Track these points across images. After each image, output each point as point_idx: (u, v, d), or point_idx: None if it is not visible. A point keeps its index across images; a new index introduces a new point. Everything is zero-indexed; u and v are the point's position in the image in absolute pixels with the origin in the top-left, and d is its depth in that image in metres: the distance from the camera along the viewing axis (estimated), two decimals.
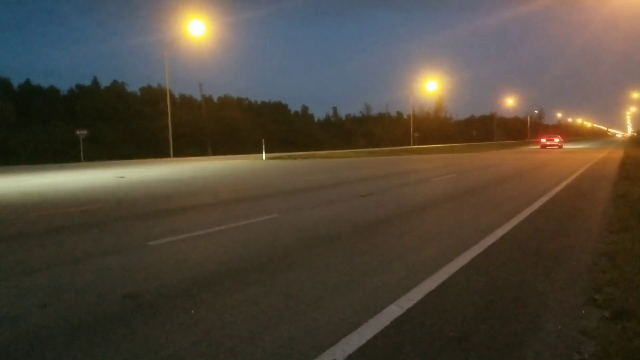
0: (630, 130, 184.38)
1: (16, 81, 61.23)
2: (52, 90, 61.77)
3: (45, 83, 72.20)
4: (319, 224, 8.13)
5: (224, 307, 4.13)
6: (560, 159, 30.28)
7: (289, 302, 4.23)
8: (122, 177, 19.28)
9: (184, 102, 65.57)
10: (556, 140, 57.61)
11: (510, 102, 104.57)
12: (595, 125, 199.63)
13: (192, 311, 4.04)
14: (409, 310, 3.99)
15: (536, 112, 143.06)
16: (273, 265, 5.52)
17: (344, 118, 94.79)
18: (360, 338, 3.46)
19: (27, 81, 61.29)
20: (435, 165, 25.08)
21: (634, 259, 5.31)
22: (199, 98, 65.60)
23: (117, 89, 62.08)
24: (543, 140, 58.47)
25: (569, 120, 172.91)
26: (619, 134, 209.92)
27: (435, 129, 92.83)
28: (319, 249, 6.35)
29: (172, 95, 51.19)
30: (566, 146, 59.85)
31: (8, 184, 17.23)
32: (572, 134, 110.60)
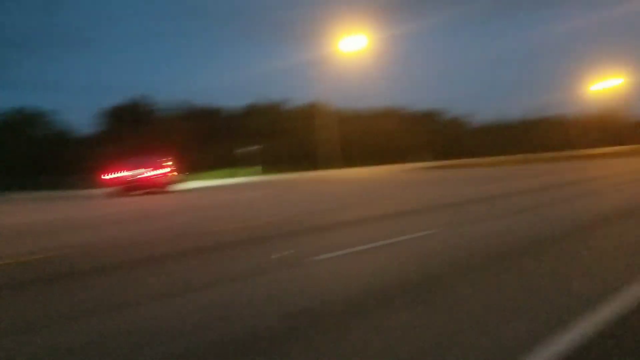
0: None
1: (187, 103, 68.17)
2: (219, 110, 67.86)
3: (213, 104, 79.29)
4: (483, 240, 7.61)
5: (376, 328, 3.97)
6: None
7: (452, 326, 3.93)
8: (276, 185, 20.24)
9: (342, 115, 67.51)
10: None
11: None
12: None
13: (346, 333, 3.93)
14: (581, 347, 3.46)
15: None
16: (434, 284, 5.22)
17: (508, 122, 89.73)
18: None
19: (196, 104, 68.01)
20: (610, 173, 22.48)
21: None
22: (357, 111, 67.17)
23: (277, 106, 66.09)
24: None
25: None
26: None
27: (611, 130, 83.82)
28: (484, 268, 5.90)
29: (329, 109, 53.08)
30: None
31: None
32: None
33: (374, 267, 6.22)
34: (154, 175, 26.02)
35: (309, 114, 60.22)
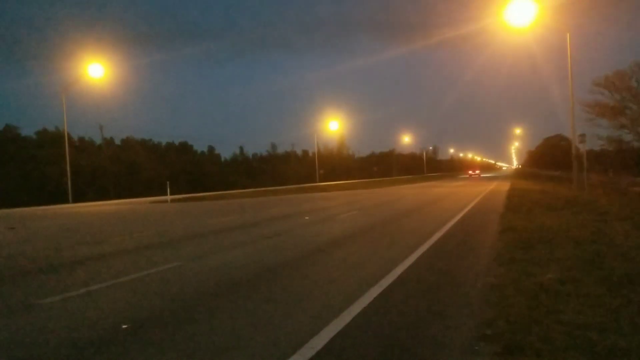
0: (515, 163, 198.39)
1: None
2: None
3: None
4: (223, 271, 8.02)
5: None
6: (454, 192, 32.05)
7: None
8: (13, 227, 17.91)
9: (84, 145, 62.58)
10: (477, 171, 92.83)
11: (406, 140, 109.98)
12: (484, 159, 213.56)
13: None
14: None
15: (430, 148, 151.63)
16: (173, 320, 5.36)
17: (250, 157, 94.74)
18: None
19: None
20: (339, 203, 25.60)
21: (520, 291, 5.70)
22: (99, 141, 63.07)
23: (10, 132, 58.00)
24: (470, 172, 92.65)
25: (461, 155, 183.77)
26: (505, 167, 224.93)
27: (339, 166, 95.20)
28: (222, 299, 6.26)
29: (71, 139, 48.71)
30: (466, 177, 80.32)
31: None
32: (465, 167, 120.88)
33: (111, 306, 6.03)
34: None
35: (49, 143, 54.16)
